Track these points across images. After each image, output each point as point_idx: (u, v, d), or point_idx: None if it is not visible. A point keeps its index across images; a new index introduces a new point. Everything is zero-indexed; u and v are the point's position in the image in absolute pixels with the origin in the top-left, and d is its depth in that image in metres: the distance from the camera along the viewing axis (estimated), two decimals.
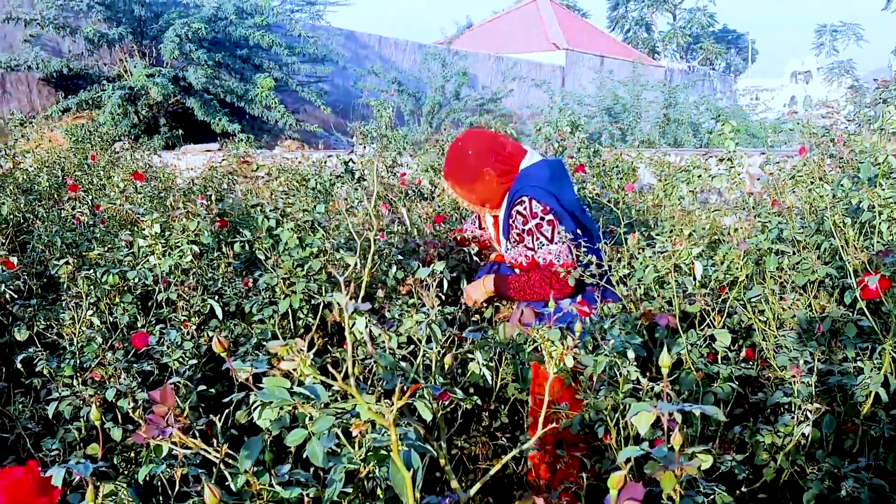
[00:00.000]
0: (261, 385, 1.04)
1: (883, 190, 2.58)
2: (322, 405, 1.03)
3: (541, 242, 2.69)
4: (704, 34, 44.84)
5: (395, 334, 1.46)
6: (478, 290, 2.92)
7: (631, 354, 1.86)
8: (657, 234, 2.43)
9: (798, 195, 3.37)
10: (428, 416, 1.12)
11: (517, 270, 2.87)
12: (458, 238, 3.28)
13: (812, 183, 3.39)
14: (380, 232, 3.25)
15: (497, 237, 3.01)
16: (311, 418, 1.04)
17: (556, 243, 2.69)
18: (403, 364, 1.38)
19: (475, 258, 3.26)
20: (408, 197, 5.17)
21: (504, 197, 2.83)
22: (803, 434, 2.09)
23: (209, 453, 1.10)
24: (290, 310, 2.86)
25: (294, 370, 1.01)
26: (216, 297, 2.94)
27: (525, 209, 2.70)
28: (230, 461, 1.12)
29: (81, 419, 2.35)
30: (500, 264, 3.01)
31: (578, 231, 2.69)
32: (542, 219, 2.69)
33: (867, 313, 2.27)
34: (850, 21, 47.03)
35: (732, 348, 2.42)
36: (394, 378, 1.28)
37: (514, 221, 2.74)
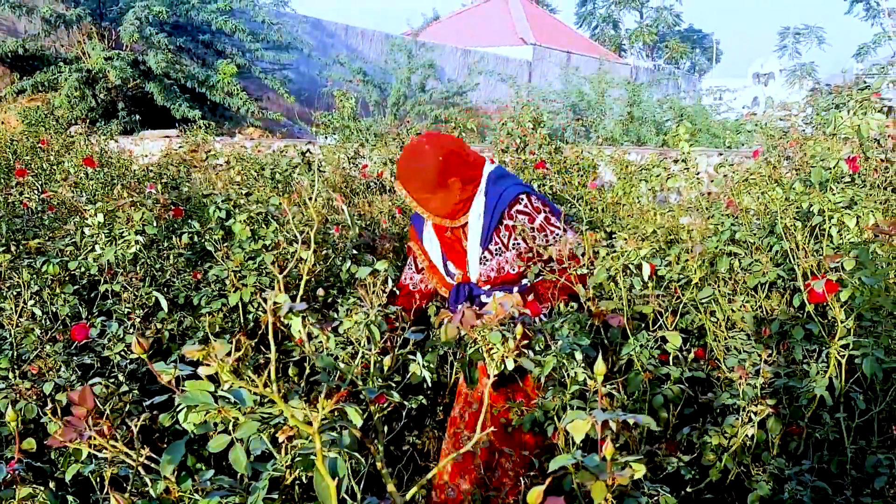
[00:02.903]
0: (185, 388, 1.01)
1: (833, 194, 2.61)
2: (248, 410, 1.00)
3: (556, 235, 2.54)
4: (670, 33, 45.25)
5: (335, 335, 1.43)
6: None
7: (578, 356, 1.85)
8: (616, 234, 2.42)
9: (752, 197, 3.40)
10: (358, 422, 1.09)
11: (486, 288, 2.61)
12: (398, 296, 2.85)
13: (767, 185, 3.42)
14: (335, 226, 3.21)
15: (449, 254, 2.70)
16: (235, 423, 1.00)
17: (570, 232, 2.55)
18: (343, 365, 1.35)
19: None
20: (369, 189, 5.14)
21: (463, 206, 2.57)
22: (748, 435, 2.10)
23: (130, 457, 1.06)
24: (240, 303, 2.81)
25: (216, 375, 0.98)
26: (164, 289, 2.87)
27: (527, 207, 2.54)
28: (154, 465, 1.08)
29: (18, 413, 2.28)
30: (470, 286, 2.66)
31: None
32: (545, 212, 2.56)
33: (814, 316, 2.29)
34: (814, 24, 47.82)
35: (684, 348, 2.43)
36: (331, 379, 1.25)
37: (514, 223, 2.54)
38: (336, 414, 1.11)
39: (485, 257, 2.57)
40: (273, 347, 1.00)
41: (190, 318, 2.87)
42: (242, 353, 0.97)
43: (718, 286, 2.55)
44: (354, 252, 3.13)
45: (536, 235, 2.52)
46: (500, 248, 2.57)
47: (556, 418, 2.04)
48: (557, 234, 2.53)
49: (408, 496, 1.21)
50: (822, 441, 2.27)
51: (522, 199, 2.54)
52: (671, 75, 25.42)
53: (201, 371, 0.96)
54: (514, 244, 2.55)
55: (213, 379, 1.01)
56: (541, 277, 2.45)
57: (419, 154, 2.52)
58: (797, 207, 2.79)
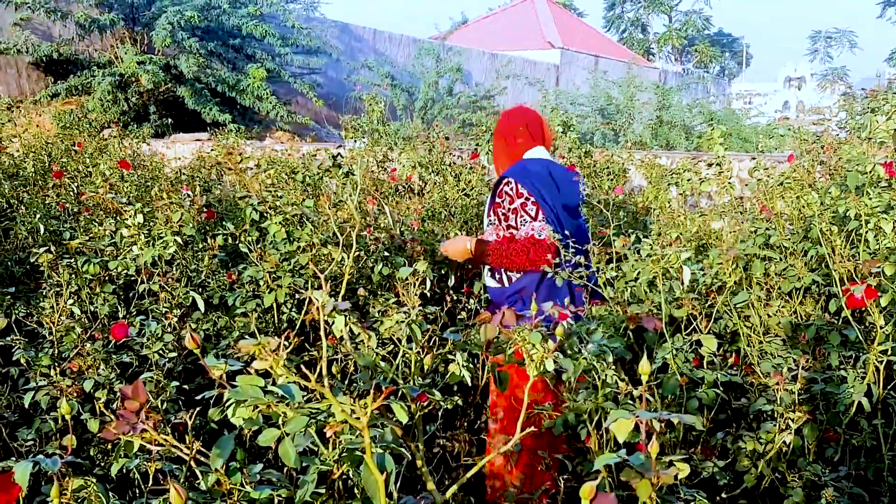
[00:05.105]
0: (235, 383, 1.02)
1: (870, 199, 2.58)
2: (296, 405, 1.02)
3: (524, 220, 2.88)
4: (699, 37, 44.92)
5: (376, 333, 1.44)
6: (457, 247, 3.03)
7: (609, 358, 1.84)
8: (644, 238, 2.42)
9: (786, 202, 3.37)
10: (404, 419, 1.10)
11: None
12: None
13: (801, 190, 3.39)
14: (366, 228, 3.23)
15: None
16: (284, 418, 1.02)
17: (539, 221, 2.87)
18: (383, 364, 1.36)
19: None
20: (397, 192, 5.16)
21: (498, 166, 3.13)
22: (785, 441, 2.08)
23: (180, 450, 1.08)
24: (274, 304, 2.84)
25: (269, 368, 0.99)
26: (199, 289, 2.91)
27: (512, 189, 2.90)
28: (203, 459, 1.10)
29: (58, 410, 2.32)
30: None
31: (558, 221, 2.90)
32: (527, 199, 2.88)
33: (852, 322, 2.27)
34: (845, 28, 47.18)
35: (718, 353, 2.41)
36: (372, 378, 1.26)
37: (501, 200, 2.93)
38: (378, 411, 1.12)
39: (487, 222, 3.05)
40: (325, 344, 1.02)
41: (224, 319, 2.90)
42: (290, 349, 0.99)
43: (753, 291, 2.53)
44: (386, 254, 3.15)
45: (510, 215, 2.91)
46: (496, 220, 2.99)
47: (588, 421, 2.04)
48: (526, 220, 2.88)
49: (447, 494, 1.22)
50: (860, 448, 2.24)
51: (511, 182, 2.92)
52: (700, 79, 25.19)
53: (256, 365, 0.98)
54: (495, 220, 2.99)
55: (260, 374, 1.03)
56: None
57: (508, 114, 3.20)
58: (833, 212, 2.77)
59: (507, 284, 2.95)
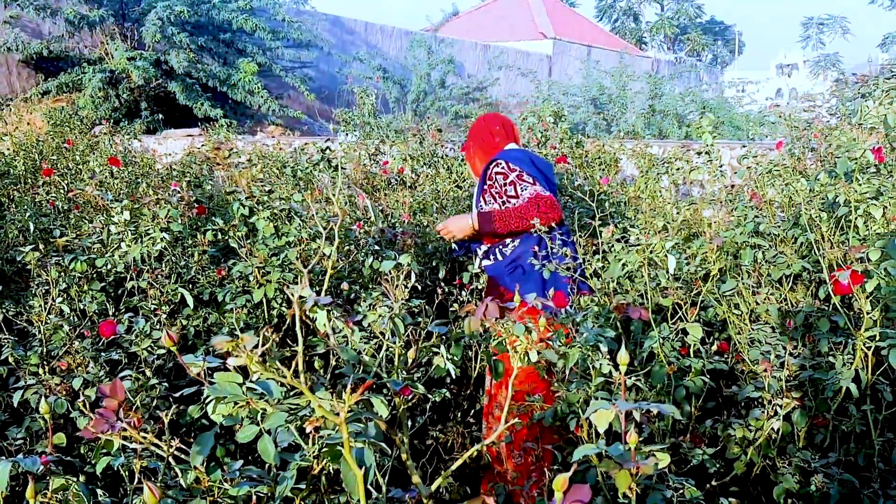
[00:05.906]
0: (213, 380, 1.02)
1: (859, 185, 2.58)
2: (275, 401, 1.01)
3: (524, 186, 2.97)
4: (692, 25, 44.81)
5: (359, 328, 1.44)
6: (459, 224, 3.10)
7: (604, 348, 1.84)
8: (631, 227, 2.42)
9: (776, 188, 3.37)
10: (385, 413, 1.10)
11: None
12: None
13: (791, 176, 3.39)
14: (356, 222, 3.23)
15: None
16: (263, 414, 1.02)
17: (539, 185, 2.96)
18: (367, 358, 1.36)
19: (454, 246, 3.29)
20: (389, 185, 5.15)
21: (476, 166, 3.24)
22: (774, 428, 2.09)
23: (160, 448, 1.08)
24: (264, 299, 2.84)
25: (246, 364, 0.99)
26: (189, 286, 2.90)
27: (503, 168, 3.01)
28: (184, 456, 1.10)
29: (50, 406, 2.32)
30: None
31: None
32: (522, 171, 2.99)
33: (840, 308, 2.27)
34: (837, 14, 47.12)
35: (707, 341, 2.41)
36: (356, 372, 1.26)
37: (493, 182, 3.03)
38: (361, 405, 1.12)
39: (480, 209, 3.10)
40: (301, 339, 1.02)
41: (215, 315, 2.89)
42: (269, 345, 0.99)
43: (742, 278, 2.53)
44: (376, 248, 3.14)
45: (508, 188, 3.00)
46: (481, 208, 3.07)
47: (579, 411, 2.04)
48: (526, 186, 2.97)
49: (433, 487, 1.22)
50: (849, 434, 2.25)
51: (500, 163, 3.03)
52: (693, 68, 25.09)
53: (231, 362, 0.97)
54: (491, 201, 3.06)
55: (242, 371, 1.03)
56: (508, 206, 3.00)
57: (480, 119, 3.33)
58: (822, 198, 2.77)
59: (501, 258, 3.01)
